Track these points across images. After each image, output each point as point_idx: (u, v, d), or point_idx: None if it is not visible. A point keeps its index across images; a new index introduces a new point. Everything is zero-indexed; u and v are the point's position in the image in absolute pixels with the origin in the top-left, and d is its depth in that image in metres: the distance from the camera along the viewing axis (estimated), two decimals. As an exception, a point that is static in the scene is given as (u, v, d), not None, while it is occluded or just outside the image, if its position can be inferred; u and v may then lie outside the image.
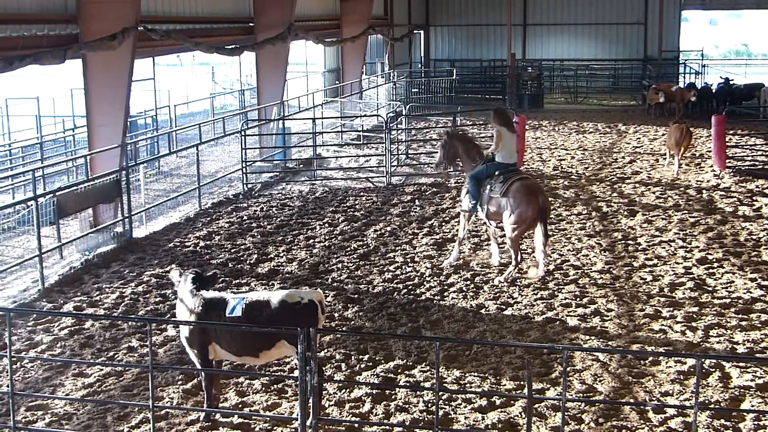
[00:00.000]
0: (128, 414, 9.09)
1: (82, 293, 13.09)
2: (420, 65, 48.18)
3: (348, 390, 9.63)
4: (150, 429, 8.28)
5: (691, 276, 13.56)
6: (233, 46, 24.31)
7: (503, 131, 13.64)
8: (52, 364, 10.31)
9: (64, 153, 24.89)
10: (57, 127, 27.54)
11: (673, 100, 31.92)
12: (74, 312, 12.23)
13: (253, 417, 8.95)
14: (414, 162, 24.68)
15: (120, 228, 16.15)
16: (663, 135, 28.18)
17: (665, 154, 23.21)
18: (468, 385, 9.79)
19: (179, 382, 9.85)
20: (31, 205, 13.92)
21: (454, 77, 41.10)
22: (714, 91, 34.49)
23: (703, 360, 9.80)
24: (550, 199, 15.72)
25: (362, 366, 10.30)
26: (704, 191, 19.77)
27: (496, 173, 13.53)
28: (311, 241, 16.00)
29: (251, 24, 25.94)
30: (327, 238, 16.18)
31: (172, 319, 11.85)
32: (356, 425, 8.79)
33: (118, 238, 15.83)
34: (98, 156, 17.81)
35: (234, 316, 8.49)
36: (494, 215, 13.60)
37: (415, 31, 46.53)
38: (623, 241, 15.62)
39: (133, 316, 12.07)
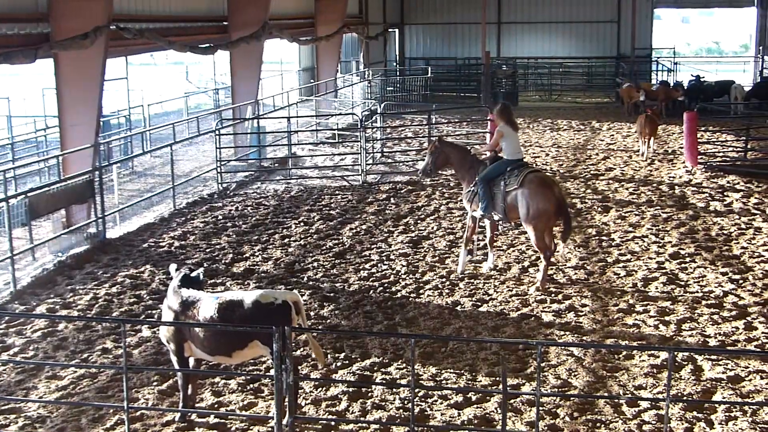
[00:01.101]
0: (103, 416, 9.05)
1: (55, 295, 12.99)
2: (395, 64, 48.20)
3: (324, 388, 9.64)
4: (125, 430, 8.24)
5: (663, 271, 13.69)
6: (207, 45, 24.20)
7: (507, 129, 13.27)
8: (25, 367, 10.23)
9: (36, 153, 24.69)
10: (28, 127, 27.30)
11: (654, 99, 32.11)
12: (47, 314, 12.14)
13: (230, 417, 8.93)
14: (389, 160, 24.70)
15: (93, 229, 16.04)
16: (636, 132, 28.49)
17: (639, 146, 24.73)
18: (444, 381, 9.83)
19: (154, 383, 9.81)
20: (3, 206, 13.77)
21: (429, 75, 41.18)
22: (686, 88, 34.77)
23: (675, 353, 9.93)
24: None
25: (338, 364, 10.32)
26: (677, 187, 19.95)
27: (508, 169, 13.12)
28: (287, 240, 15.98)
29: (225, 23, 25.83)
30: (302, 237, 16.17)
31: (147, 319, 11.84)
32: (333, 423, 8.81)
33: (92, 239, 15.72)
34: (71, 156, 17.68)
35: (207, 317, 8.48)
36: (512, 211, 13.02)
37: (389, 30, 46.54)
38: (597, 237, 15.73)
39: (107, 317, 11.99)
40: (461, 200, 15.47)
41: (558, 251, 13.28)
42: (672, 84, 35.85)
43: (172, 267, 9.27)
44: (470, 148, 16.12)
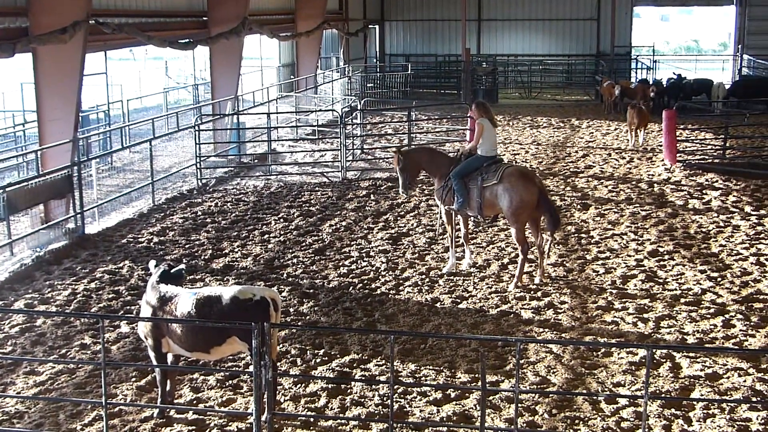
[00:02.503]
0: (81, 412, 9.00)
1: (34, 290, 12.90)
2: (375, 60, 48.18)
3: (303, 385, 9.63)
4: (103, 426, 8.20)
5: (642, 268, 13.76)
6: (187, 40, 24.04)
7: (486, 124, 13.27)
8: (3, 362, 10.16)
9: (15, 148, 24.48)
10: (7, 122, 27.10)
11: (633, 97, 32.22)
12: (25, 309, 12.06)
13: (208, 413, 8.90)
14: (369, 157, 24.69)
15: (72, 224, 15.95)
16: (616, 130, 28.68)
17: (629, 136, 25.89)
18: (423, 378, 9.84)
19: (133, 379, 9.77)
20: (-20, 201, 13.68)
21: (408, 72, 41.18)
22: (665, 86, 34.95)
23: (653, 350, 9.97)
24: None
25: (318, 361, 10.31)
26: (655, 185, 20.06)
27: (485, 165, 13.09)
28: (266, 236, 15.94)
29: (205, 18, 25.72)
30: (282, 233, 16.14)
31: (125, 315, 11.78)
32: (312, 419, 8.80)
33: (70, 234, 15.64)
34: (49, 151, 17.53)
35: (185, 312, 8.45)
36: (489, 207, 13.00)
37: (370, 26, 46.50)
38: (576, 235, 15.79)
39: (85, 312, 11.93)
40: (434, 197, 15.43)
41: (546, 245, 13.30)
42: (651, 82, 36.02)
43: (152, 263, 9.23)
44: (436, 146, 15.99)
